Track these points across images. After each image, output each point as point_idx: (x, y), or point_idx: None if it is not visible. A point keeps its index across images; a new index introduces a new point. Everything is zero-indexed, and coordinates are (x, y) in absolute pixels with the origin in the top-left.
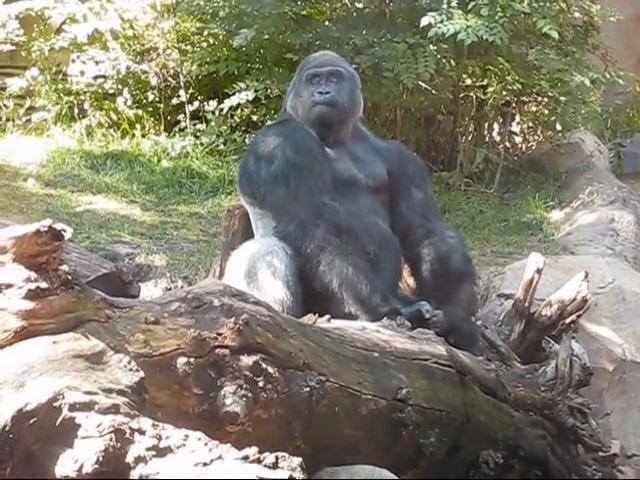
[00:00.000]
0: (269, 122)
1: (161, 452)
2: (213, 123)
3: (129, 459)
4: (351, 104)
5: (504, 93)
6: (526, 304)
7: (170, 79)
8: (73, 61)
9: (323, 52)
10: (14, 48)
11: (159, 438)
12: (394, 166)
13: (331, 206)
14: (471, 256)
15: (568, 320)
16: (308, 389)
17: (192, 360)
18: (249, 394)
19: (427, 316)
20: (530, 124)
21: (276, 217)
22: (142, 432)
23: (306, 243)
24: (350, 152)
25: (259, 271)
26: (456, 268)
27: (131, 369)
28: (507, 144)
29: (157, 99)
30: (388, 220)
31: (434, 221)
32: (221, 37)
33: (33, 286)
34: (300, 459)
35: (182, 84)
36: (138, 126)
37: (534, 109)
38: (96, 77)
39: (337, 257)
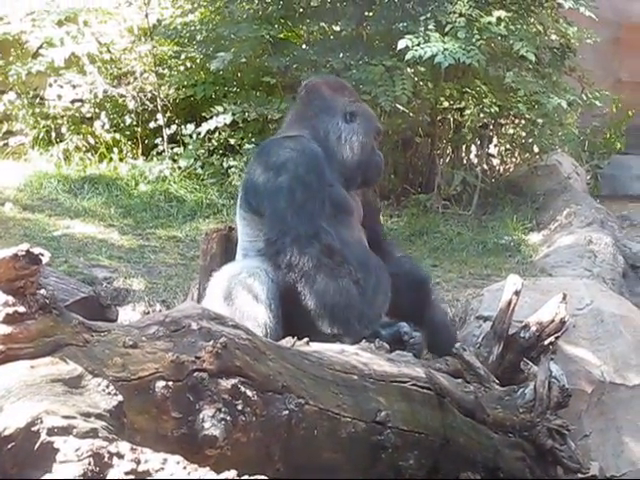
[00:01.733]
0: (247, 145)
1: (140, 476)
2: (191, 147)
3: None
4: None
5: (481, 115)
6: (504, 326)
7: (147, 103)
8: (50, 85)
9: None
10: None
11: (138, 462)
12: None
13: (327, 231)
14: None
15: (546, 342)
16: (287, 412)
17: (170, 384)
18: (228, 417)
19: (405, 338)
20: (507, 146)
21: (272, 226)
22: (121, 456)
23: (301, 259)
24: (343, 183)
25: (240, 294)
26: (422, 289)
27: (109, 393)
28: (485, 166)
29: (134, 123)
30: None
31: (391, 245)
32: (198, 60)
33: (11, 310)
34: None
35: (159, 108)
36: (115, 150)
37: (511, 131)
38: (73, 101)
39: (330, 279)
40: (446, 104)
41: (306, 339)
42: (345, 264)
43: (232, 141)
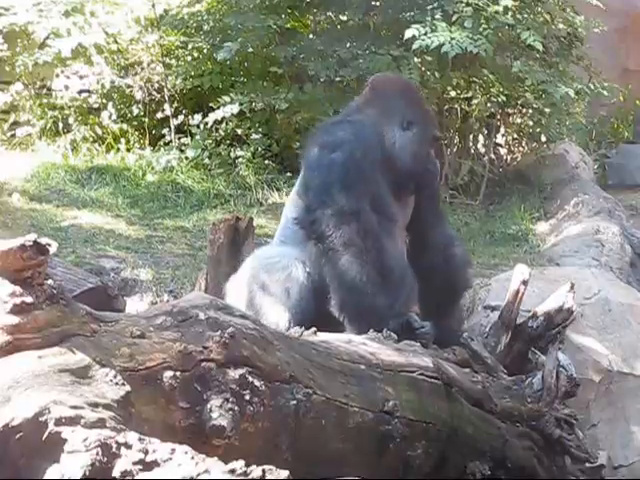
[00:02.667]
0: (254, 135)
1: (148, 466)
2: (198, 137)
3: (116, 473)
4: None
5: (489, 105)
6: (512, 315)
7: (155, 93)
8: (57, 76)
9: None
10: None
11: (145, 452)
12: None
13: (370, 215)
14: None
15: (554, 331)
16: (295, 402)
17: (178, 374)
18: (235, 407)
19: (416, 325)
20: (515, 136)
21: (316, 196)
22: (128, 446)
23: (334, 232)
24: (397, 190)
25: (274, 283)
26: (462, 282)
27: (117, 383)
28: (492, 156)
29: (142, 113)
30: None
31: (447, 228)
32: (205, 51)
33: (18, 301)
34: (287, 472)
35: (167, 98)
36: (123, 140)
37: (519, 121)
38: (80, 91)
39: (355, 260)
40: (453, 93)
41: (313, 329)
42: (375, 252)
43: (239, 131)
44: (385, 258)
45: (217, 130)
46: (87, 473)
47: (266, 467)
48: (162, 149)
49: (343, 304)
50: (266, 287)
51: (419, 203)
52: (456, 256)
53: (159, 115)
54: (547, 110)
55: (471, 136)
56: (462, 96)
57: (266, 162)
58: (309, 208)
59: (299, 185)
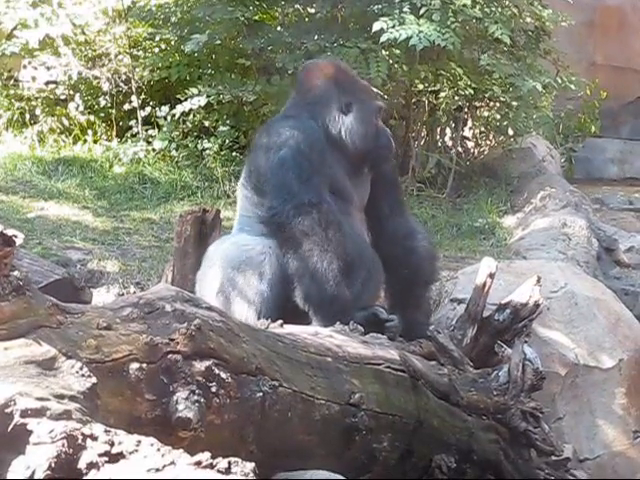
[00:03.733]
0: (221, 127)
1: (113, 458)
2: (165, 129)
3: (81, 465)
4: None
5: (456, 98)
6: (478, 309)
7: (122, 85)
8: (24, 67)
9: (347, 65)
10: None
11: (111, 444)
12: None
13: (331, 205)
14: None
15: (521, 324)
16: (261, 394)
17: (144, 366)
18: (202, 399)
19: (382, 317)
20: (482, 129)
21: (276, 195)
22: (94, 438)
23: (293, 222)
24: (351, 171)
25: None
26: (425, 276)
27: (83, 375)
28: (459, 149)
29: (109, 105)
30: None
31: (409, 220)
32: (173, 42)
33: None
34: (253, 464)
35: (134, 90)
36: (90, 132)
37: (486, 114)
38: (47, 83)
39: (316, 249)
40: (421, 87)
41: (280, 321)
42: (336, 241)
43: (207, 123)
44: (349, 247)
45: (184, 122)
46: (52, 464)
47: (232, 459)
48: (129, 141)
49: (307, 294)
50: (242, 274)
51: (377, 190)
52: (417, 249)
53: (126, 107)
54: (514, 103)
55: (438, 129)
56: (430, 89)
57: (233, 154)
58: (271, 207)
59: (249, 189)
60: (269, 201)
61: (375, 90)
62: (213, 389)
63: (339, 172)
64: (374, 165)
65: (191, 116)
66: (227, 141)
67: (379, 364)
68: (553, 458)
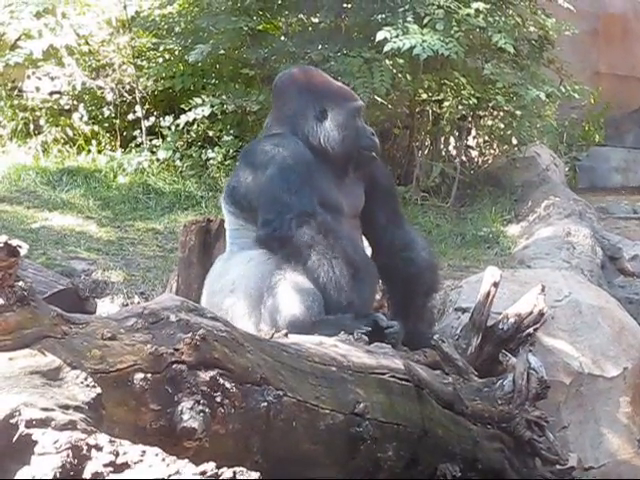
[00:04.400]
0: (225, 137)
1: (118, 468)
2: (169, 139)
3: (86, 475)
4: None
5: (460, 107)
6: (483, 318)
7: (126, 95)
8: (28, 77)
9: (319, 70)
10: None
11: (116, 454)
12: (366, 174)
13: (322, 212)
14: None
15: (525, 333)
16: (265, 404)
17: (149, 376)
18: (206, 409)
19: (383, 324)
20: (486, 138)
21: (269, 209)
22: (99, 448)
23: (296, 235)
24: (339, 179)
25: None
26: (426, 286)
27: (88, 385)
28: (463, 158)
29: (113, 115)
30: (362, 243)
31: (407, 230)
32: (177, 52)
33: None
34: (258, 474)
35: (138, 100)
36: (94, 142)
37: (490, 123)
38: (52, 93)
39: (324, 257)
40: (424, 96)
41: (284, 331)
42: (338, 245)
43: (210, 133)
44: (350, 252)
45: (188, 132)
46: (57, 475)
47: (237, 469)
48: (133, 151)
49: (330, 298)
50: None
51: (372, 199)
52: (416, 259)
53: (130, 117)
54: (518, 112)
55: (442, 138)
56: (433, 98)
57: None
58: (266, 220)
59: (229, 204)
60: (262, 216)
61: (350, 90)
62: (218, 399)
63: (325, 183)
64: (359, 168)
65: (195, 126)
66: (231, 151)
67: (384, 373)
68: (558, 467)
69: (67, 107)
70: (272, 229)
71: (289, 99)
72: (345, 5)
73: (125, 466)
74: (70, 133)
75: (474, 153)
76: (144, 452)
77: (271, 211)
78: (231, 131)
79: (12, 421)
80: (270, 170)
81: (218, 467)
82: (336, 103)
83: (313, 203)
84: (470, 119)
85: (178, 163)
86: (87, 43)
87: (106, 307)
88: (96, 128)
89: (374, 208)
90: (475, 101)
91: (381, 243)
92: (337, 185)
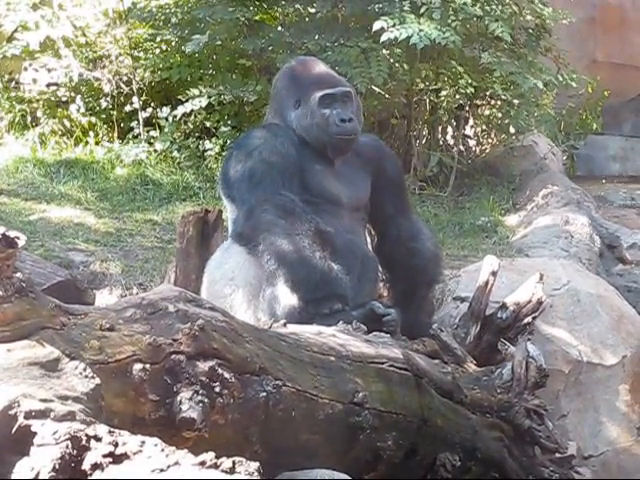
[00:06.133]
0: (223, 128)
1: (118, 459)
2: (167, 130)
3: (85, 466)
4: (360, 126)
5: (457, 97)
6: (481, 307)
7: (123, 86)
8: (25, 69)
9: (312, 60)
10: None
11: (115, 445)
12: (374, 165)
13: (284, 195)
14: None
15: (524, 322)
16: (264, 394)
17: (148, 366)
18: (205, 400)
19: (380, 311)
20: (484, 127)
21: (237, 209)
22: (98, 439)
23: (256, 225)
24: (337, 170)
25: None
26: (429, 277)
27: (87, 376)
28: (461, 147)
29: (110, 106)
30: (364, 236)
31: (414, 221)
32: (174, 43)
33: None
34: (257, 464)
35: (135, 91)
36: (91, 133)
37: (487, 112)
38: (49, 85)
39: (279, 237)
40: (422, 85)
41: (283, 321)
42: (300, 223)
43: (208, 124)
44: (321, 230)
45: (186, 123)
46: (57, 466)
47: (236, 459)
48: (131, 142)
49: (294, 282)
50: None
51: (380, 190)
52: (421, 250)
53: (127, 108)
54: (516, 101)
55: (440, 128)
56: (431, 88)
57: None
58: (235, 222)
59: (222, 193)
60: (239, 210)
61: (332, 78)
62: (217, 389)
63: (315, 172)
64: (335, 156)
65: (192, 117)
66: (228, 141)
67: (382, 363)
68: (557, 455)
69: (64, 99)
70: (239, 231)
71: (279, 91)
72: None
73: (124, 457)
74: (67, 125)
75: (472, 142)
76: (143, 442)
77: (239, 208)
78: (228, 122)
79: (11, 412)
80: (244, 166)
81: (217, 457)
82: (308, 92)
83: (267, 190)
84: (467, 108)
85: (176, 154)
86: (84, 34)
87: (104, 298)
88: (93, 120)
89: (382, 198)
90: (472, 90)
91: (388, 234)
92: (334, 175)
